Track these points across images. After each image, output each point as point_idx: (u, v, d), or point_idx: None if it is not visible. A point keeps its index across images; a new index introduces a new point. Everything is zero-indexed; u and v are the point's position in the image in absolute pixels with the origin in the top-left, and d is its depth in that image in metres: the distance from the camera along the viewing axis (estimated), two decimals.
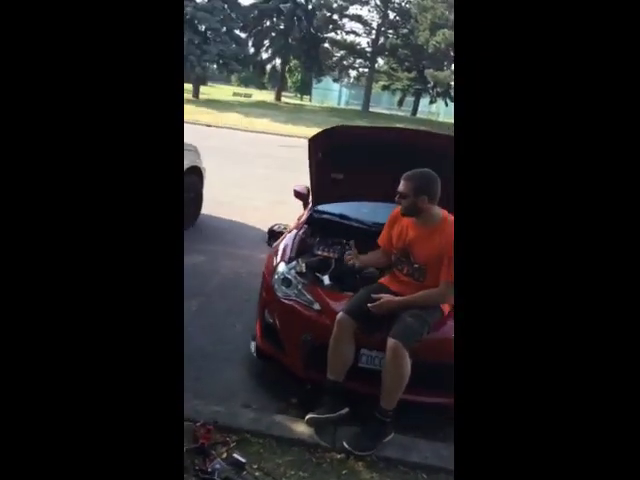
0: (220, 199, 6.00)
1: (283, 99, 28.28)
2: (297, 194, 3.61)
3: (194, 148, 5.14)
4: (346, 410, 2.09)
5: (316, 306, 2.33)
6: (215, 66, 22.33)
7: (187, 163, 4.78)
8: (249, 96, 30.82)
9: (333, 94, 35.81)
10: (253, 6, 23.77)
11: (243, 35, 23.60)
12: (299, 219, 3.22)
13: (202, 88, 26.25)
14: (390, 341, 1.99)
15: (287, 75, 35.38)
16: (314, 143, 2.66)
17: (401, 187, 2.18)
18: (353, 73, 27.23)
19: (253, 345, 2.56)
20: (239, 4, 22.22)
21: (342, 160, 2.77)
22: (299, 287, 2.42)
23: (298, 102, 30.12)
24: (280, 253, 2.70)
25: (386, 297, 2.15)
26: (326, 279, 2.51)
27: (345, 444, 1.94)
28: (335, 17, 24.17)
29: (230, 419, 2.02)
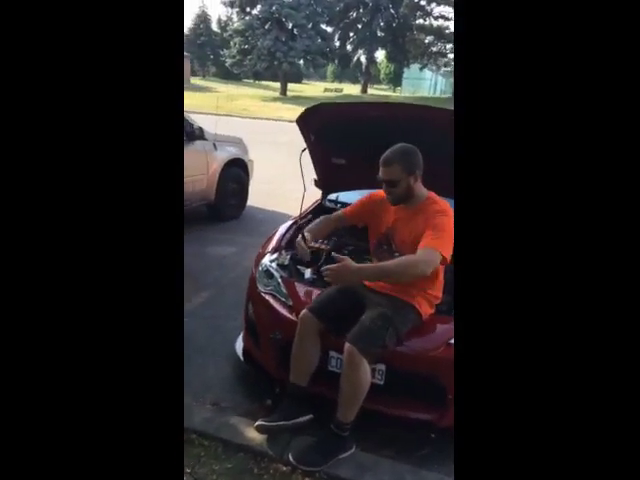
0: (275, 192, 6.01)
1: (372, 91, 27.93)
2: (317, 183, 3.41)
3: (239, 141, 5.20)
4: (307, 418, 1.88)
5: (290, 302, 2.14)
6: (302, 62, 22.60)
7: (228, 156, 4.84)
8: (340, 91, 30.94)
9: (426, 83, 34.55)
10: None
11: (329, 29, 23.61)
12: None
13: (295, 86, 26.80)
14: (346, 345, 1.74)
15: (378, 67, 34.90)
16: (302, 123, 2.45)
17: (387, 174, 1.87)
18: (444, 60, 25.91)
19: (239, 339, 2.45)
20: None
21: (339, 142, 2.53)
22: (279, 280, 2.25)
23: (385, 93, 29.50)
24: (272, 243, 2.54)
25: (344, 262, 1.75)
26: (308, 273, 2.30)
27: (290, 457, 1.73)
28: (423, 2, 23.16)
29: None
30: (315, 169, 2.83)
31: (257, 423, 1.83)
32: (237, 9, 23.95)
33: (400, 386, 1.90)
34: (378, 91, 31.23)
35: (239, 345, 2.42)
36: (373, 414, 1.89)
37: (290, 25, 21.34)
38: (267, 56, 20.71)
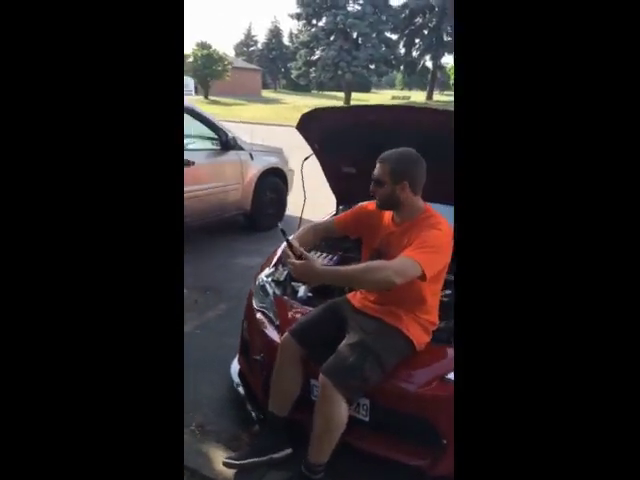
0: (317, 200, 5.90)
1: (440, 97, 27.20)
2: None
3: (279, 151, 5.15)
4: (284, 453, 1.72)
5: (277, 321, 1.98)
6: (365, 71, 22.46)
7: (265, 165, 4.80)
8: (407, 98, 30.52)
9: None
10: (404, 6, 23.29)
11: (394, 37, 23.31)
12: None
13: (362, 95, 26.75)
14: (320, 377, 1.55)
15: (447, 72, 34.08)
16: (302, 131, 2.30)
17: (376, 171, 1.73)
18: None
19: (235, 360, 2.32)
20: (390, 6, 22.01)
21: (345, 150, 2.35)
22: (271, 297, 2.10)
23: (451, 99, 28.58)
24: (274, 257, 2.41)
25: (308, 262, 1.57)
26: (302, 290, 2.13)
27: None
28: None
29: None
30: (327, 179, 2.66)
31: (225, 459, 1.68)
32: (304, 21, 24.41)
33: (386, 425, 1.67)
34: (445, 97, 30.33)
35: (235, 366, 2.29)
36: (356, 452, 1.68)
37: (354, 35, 21.39)
38: (331, 66, 20.83)
